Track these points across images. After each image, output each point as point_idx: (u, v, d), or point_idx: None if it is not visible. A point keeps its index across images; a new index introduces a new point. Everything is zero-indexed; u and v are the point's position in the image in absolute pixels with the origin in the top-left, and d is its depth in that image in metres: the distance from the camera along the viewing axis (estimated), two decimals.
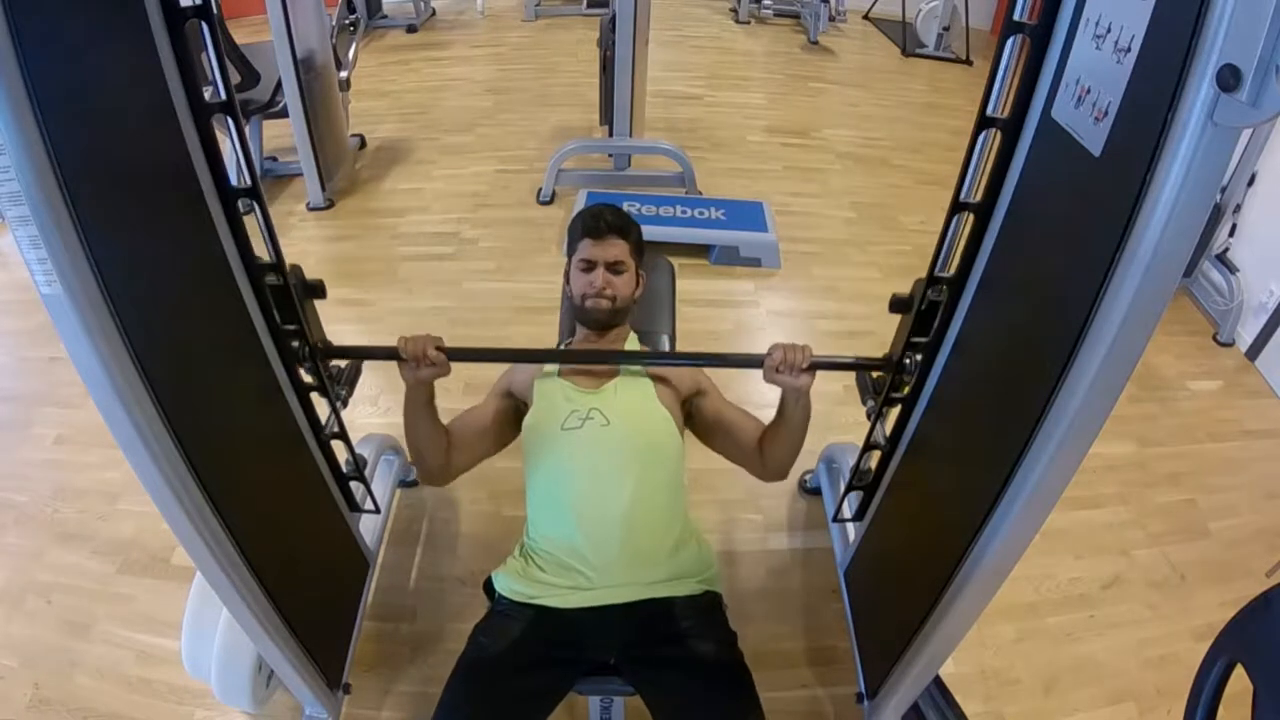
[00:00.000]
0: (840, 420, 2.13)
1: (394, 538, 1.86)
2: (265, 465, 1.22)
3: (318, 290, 1.25)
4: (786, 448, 1.34)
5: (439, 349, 1.24)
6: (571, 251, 1.45)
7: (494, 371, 1.50)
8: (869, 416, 1.40)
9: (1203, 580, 1.86)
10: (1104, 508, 2.03)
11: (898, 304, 1.25)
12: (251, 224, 1.09)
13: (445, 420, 1.36)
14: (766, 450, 1.35)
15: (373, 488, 1.56)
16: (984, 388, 1.10)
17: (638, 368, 1.40)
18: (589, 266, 1.40)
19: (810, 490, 2.00)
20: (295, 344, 1.23)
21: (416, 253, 2.92)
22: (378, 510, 1.61)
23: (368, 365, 1.49)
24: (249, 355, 1.16)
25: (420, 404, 1.29)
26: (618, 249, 1.41)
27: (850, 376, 1.49)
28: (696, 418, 1.44)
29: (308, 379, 1.31)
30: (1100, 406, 0.79)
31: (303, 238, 2.99)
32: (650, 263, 1.57)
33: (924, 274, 1.17)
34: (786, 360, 1.22)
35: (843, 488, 1.56)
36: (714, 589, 1.32)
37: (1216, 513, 2.04)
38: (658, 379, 1.39)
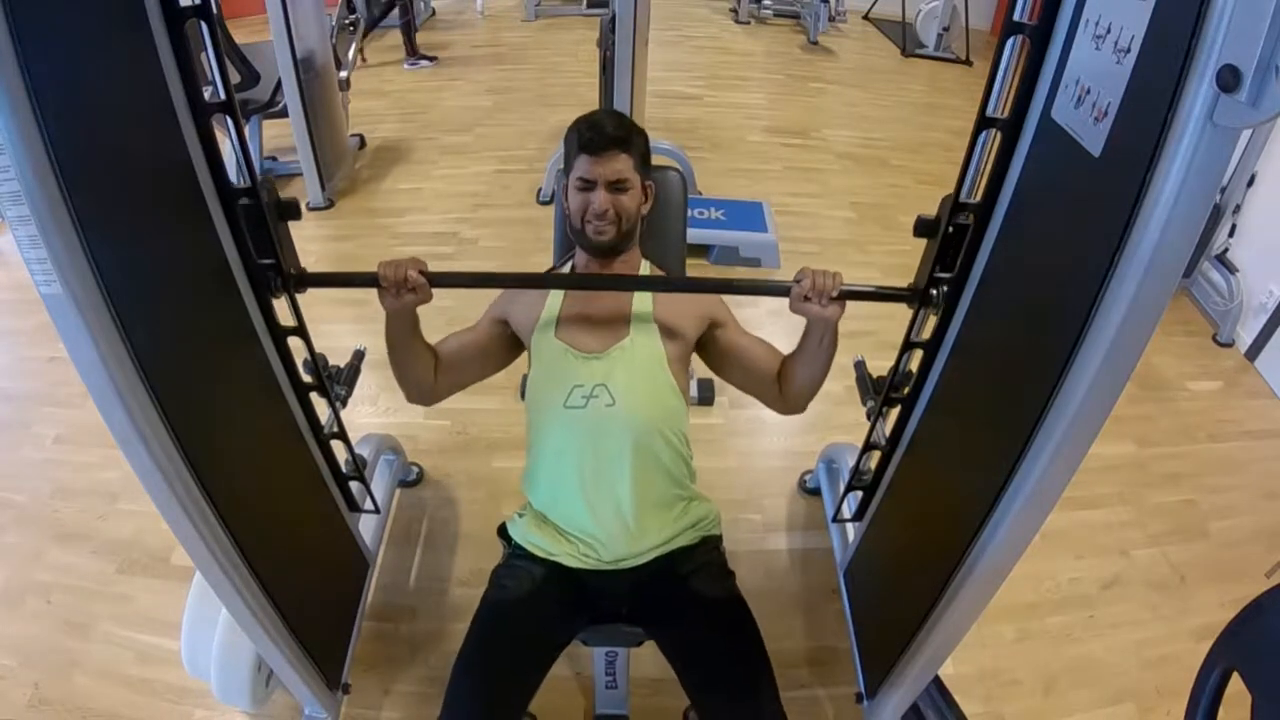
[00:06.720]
0: (840, 420, 2.13)
1: (394, 538, 1.86)
2: (265, 465, 1.22)
3: (291, 210, 1.16)
4: (808, 382, 1.25)
5: (421, 272, 1.17)
6: (568, 167, 1.29)
7: (477, 309, 1.44)
8: (869, 416, 1.40)
9: (1203, 580, 1.86)
10: (1103, 508, 2.03)
11: (923, 226, 1.13)
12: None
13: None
14: (786, 384, 1.28)
15: (372, 488, 1.57)
16: (984, 388, 1.10)
17: (649, 319, 1.28)
18: (588, 186, 1.25)
19: (810, 490, 2.00)
20: (269, 272, 1.15)
21: (416, 252, 2.90)
22: (377, 510, 1.61)
23: (367, 364, 1.49)
24: (249, 355, 1.15)
25: (403, 331, 1.24)
26: (620, 164, 1.23)
27: (851, 377, 1.49)
28: (711, 348, 1.35)
29: (307, 378, 1.31)
30: (1100, 407, 0.79)
31: (302, 237, 2.94)
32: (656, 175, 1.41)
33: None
34: (816, 287, 1.13)
35: (842, 488, 1.56)
36: (711, 534, 1.33)
37: (1216, 513, 2.04)
38: (669, 335, 1.29)
